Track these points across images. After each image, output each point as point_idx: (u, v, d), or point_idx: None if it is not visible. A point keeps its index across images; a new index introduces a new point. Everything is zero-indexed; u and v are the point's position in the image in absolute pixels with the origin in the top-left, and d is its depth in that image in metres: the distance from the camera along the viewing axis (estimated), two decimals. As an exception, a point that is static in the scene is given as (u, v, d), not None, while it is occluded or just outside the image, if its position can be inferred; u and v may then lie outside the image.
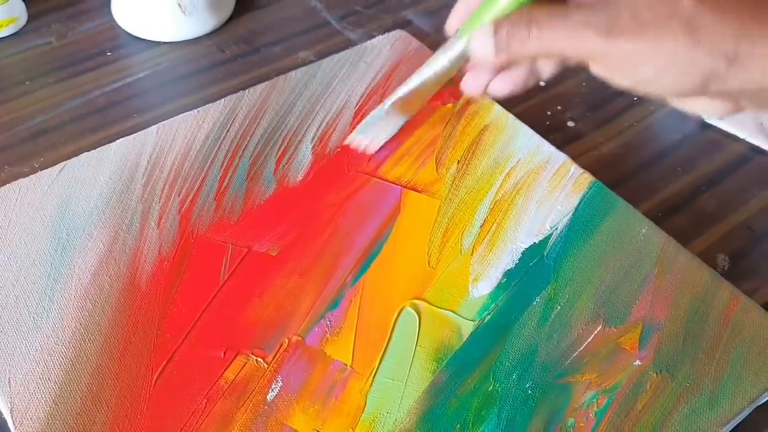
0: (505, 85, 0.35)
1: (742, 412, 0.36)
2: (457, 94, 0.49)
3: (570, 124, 0.54)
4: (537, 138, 0.48)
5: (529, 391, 0.37)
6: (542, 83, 0.54)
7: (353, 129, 0.48)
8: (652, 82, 0.29)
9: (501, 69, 0.35)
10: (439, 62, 0.36)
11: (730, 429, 0.37)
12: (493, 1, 0.32)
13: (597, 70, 0.31)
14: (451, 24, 0.36)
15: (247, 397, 0.36)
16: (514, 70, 0.35)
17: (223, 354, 0.37)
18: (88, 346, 0.37)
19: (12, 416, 0.34)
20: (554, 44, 0.30)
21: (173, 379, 0.36)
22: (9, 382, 0.35)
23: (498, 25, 0.31)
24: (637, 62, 0.29)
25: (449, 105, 0.49)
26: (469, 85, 0.36)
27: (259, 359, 0.37)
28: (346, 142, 0.46)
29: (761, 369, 0.38)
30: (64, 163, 0.45)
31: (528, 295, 0.40)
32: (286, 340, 0.38)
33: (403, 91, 0.40)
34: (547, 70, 0.35)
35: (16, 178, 0.44)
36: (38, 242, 0.41)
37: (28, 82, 0.54)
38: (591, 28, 0.29)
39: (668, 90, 0.30)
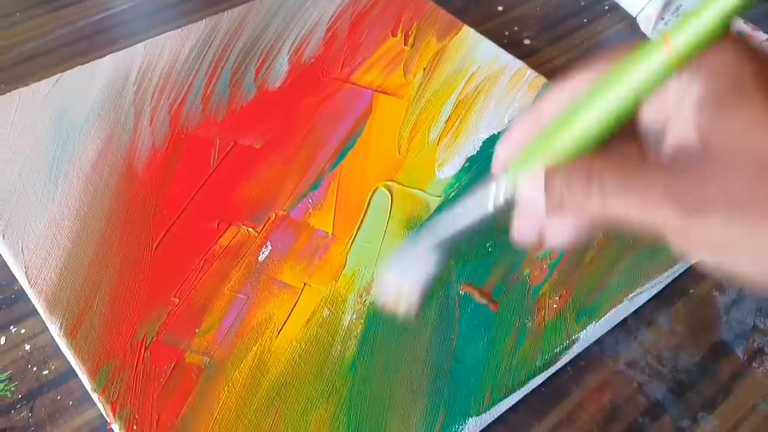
0: (566, 233, 0.26)
1: (681, 261, 0.41)
2: (395, 30, 0.53)
3: (526, 42, 0.58)
4: (496, 48, 0.53)
5: (489, 249, 0.41)
6: (500, 8, 0.59)
7: (325, 44, 0.52)
8: (744, 269, 0.23)
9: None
10: (479, 206, 0.27)
11: (675, 274, 0.42)
12: (548, 137, 0.24)
13: (674, 244, 0.23)
14: (500, 157, 0.27)
15: (241, 258, 0.40)
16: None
17: (216, 225, 0.41)
18: (92, 221, 0.41)
19: (27, 277, 0.38)
20: (620, 211, 0.23)
21: (172, 246, 0.40)
22: (22, 250, 0.39)
23: (550, 175, 0.24)
24: (727, 246, 0.23)
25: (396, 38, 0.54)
26: (521, 234, 0.26)
27: (249, 229, 0.41)
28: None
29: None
30: (59, 74, 0.48)
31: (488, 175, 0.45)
32: (273, 214, 0.42)
33: (434, 239, 0.30)
34: None
35: (13, 93, 0.48)
36: (40, 140, 0.44)
37: (17, 14, 0.57)
38: (670, 200, 0.22)
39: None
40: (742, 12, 0.21)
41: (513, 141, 0.27)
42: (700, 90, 0.22)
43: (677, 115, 0.23)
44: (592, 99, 0.23)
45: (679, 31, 0.21)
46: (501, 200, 0.26)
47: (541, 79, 0.51)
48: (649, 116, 0.24)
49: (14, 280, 0.40)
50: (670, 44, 0.21)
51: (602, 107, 0.23)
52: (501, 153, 0.27)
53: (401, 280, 0.32)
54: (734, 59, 0.22)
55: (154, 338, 0.36)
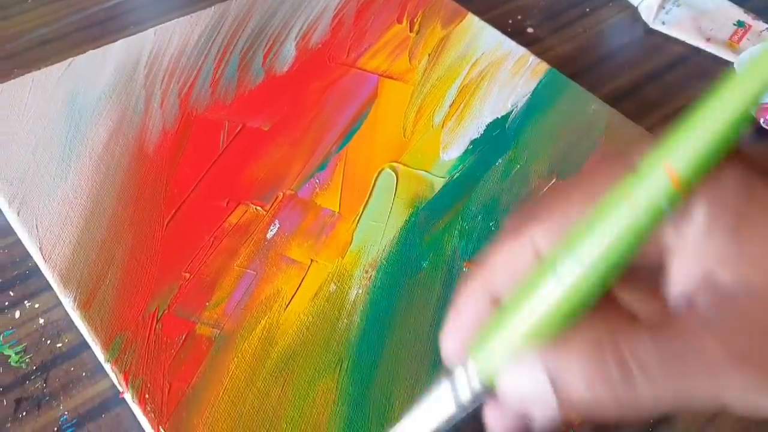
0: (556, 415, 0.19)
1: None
2: (401, 17, 0.54)
3: (529, 30, 0.59)
4: (500, 35, 0.54)
5: (492, 228, 0.42)
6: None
7: (332, 30, 0.53)
8: None
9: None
10: (441, 409, 0.22)
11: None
12: (519, 310, 0.19)
13: (741, 410, 0.18)
14: (449, 350, 0.22)
15: (249, 235, 0.41)
16: None
17: (226, 204, 0.42)
18: (105, 199, 0.42)
19: (42, 253, 0.39)
20: (675, 392, 0.18)
21: (182, 224, 0.41)
22: (36, 227, 0.40)
23: (556, 365, 0.18)
24: None
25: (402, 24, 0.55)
26: (496, 427, 0.21)
27: (258, 207, 0.42)
28: None
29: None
30: (71, 59, 0.49)
31: (492, 157, 0.46)
32: (281, 194, 0.43)
33: None
34: None
35: (26, 77, 0.49)
36: (53, 121, 0.45)
37: (29, 0, 0.58)
38: (739, 360, 0.17)
39: None
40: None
41: (461, 327, 0.21)
42: (707, 212, 0.18)
43: (682, 247, 0.18)
44: (575, 253, 0.18)
45: (680, 153, 0.17)
46: (468, 396, 0.21)
47: (544, 66, 0.52)
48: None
49: (28, 256, 0.41)
50: (673, 171, 0.17)
51: (593, 262, 0.18)
52: (449, 344, 0.22)
53: None
54: (739, 171, 0.18)
55: (166, 311, 0.37)
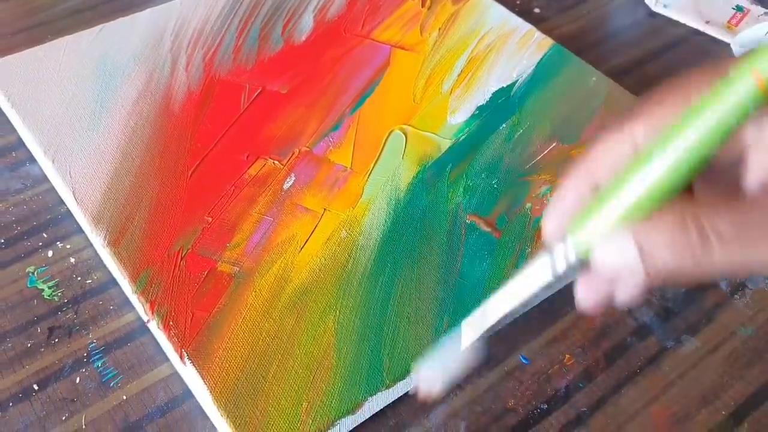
0: (640, 289, 0.23)
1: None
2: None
3: (536, 10, 0.62)
4: (507, 12, 0.57)
5: (495, 186, 0.45)
6: None
7: (348, 4, 0.56)
8: None
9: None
10: (538, 278, 0.25)
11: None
12: (616, 193, 0.22)
13: None
14: (552, 226, 0.24)
15: (267, 186, 0.44)
16: None
17: (246, 157, 0.45)
18: (133, 151, 0.45)
19: (75, 197, 0.42)
20: (748, 257, 0.21)
21: (206, 174, 0.44)
22: (70, 173, 0.43)
23: (645, 236, 0.21)
24: None
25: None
26: (589, 299, 0.24)
27: (275, 161, 0.45)
28: (416, 382, 0.30)
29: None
30: (102, 25, 0.53)
31: (496, 122, 0.49)
32: (297, 150, 0.46)
33: (485, 325, 0.27)
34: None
35: (59, 41, 0.52)
36: (85, 80, 0.48)
37: (62, -27, 0.62)
38: None
39: None
40: None
41: (563, 209, 0.24)
42: None
43: (761, 142, 0.21)
44: (670, 145, 0.21)
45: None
46: (563, 267, 0.24)
47: (548, 41, 0.54)
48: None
49: (60, 203, 0.45)
50: (761, 77, 0.20)
51: (684, 152, 0.21)
52: (551, 224, 0.24)
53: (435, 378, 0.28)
54: None
55: (189, 250, 0.40)
